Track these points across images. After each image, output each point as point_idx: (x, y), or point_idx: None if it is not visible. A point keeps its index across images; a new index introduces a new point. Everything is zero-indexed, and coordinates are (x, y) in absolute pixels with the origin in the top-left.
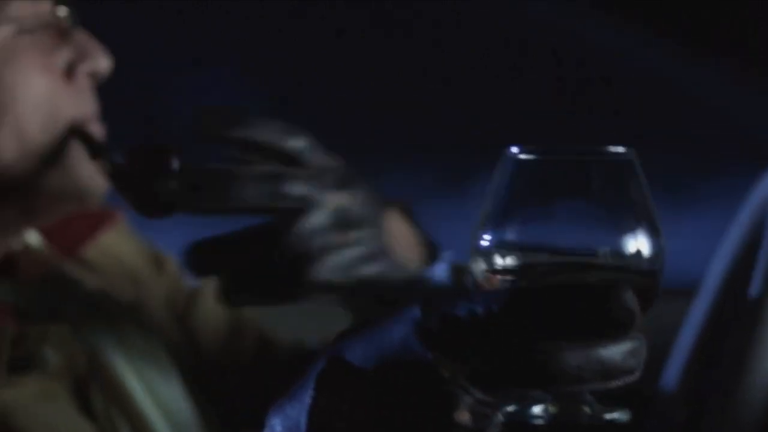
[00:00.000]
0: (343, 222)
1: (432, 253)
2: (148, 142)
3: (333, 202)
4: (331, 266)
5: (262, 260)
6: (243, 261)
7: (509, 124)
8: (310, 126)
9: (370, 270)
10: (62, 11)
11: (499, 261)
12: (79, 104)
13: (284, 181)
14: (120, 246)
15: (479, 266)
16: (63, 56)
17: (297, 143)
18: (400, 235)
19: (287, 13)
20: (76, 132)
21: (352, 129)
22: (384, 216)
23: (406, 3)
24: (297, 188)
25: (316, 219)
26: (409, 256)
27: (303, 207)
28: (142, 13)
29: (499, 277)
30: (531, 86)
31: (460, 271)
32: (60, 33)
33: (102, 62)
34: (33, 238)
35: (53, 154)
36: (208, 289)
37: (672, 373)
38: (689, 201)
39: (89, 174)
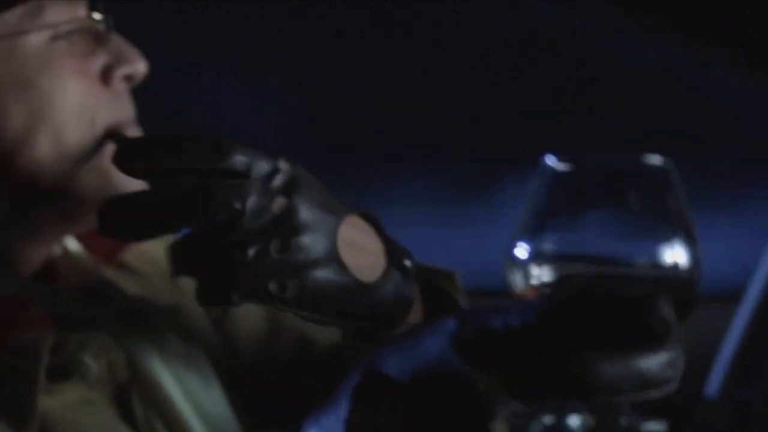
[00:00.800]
0: (285, 227)
1: (398, 261)
2: None
3: (275, 206)
4: (267, 271)
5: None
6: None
7: (526, 131)
8: (313, 129)
9: (316, 276)
10: (98, 16)
11: (536, 271)
12: (116, 108)
13: (210, 194)
14: (157, 250)
15: (515, 277)
16: (99, 61)
17: (235, 159)
18: (357, 245)
19: (288, 13)
20: (112, 135)
21: (354, 132)
22: (339, 224)
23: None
24: (224, 197)
25: (251, 225)
26: (366, 265)
27: (235, 215)
28: (142, 14)
29: (535, 287)
30: (552, 92)
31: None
32: (96, 38)
33: (138, 66)
34: (72, 244)
35: (90, 160)
36: None
37: (714, 382)
38: (732, 207)
39: (126, 180)
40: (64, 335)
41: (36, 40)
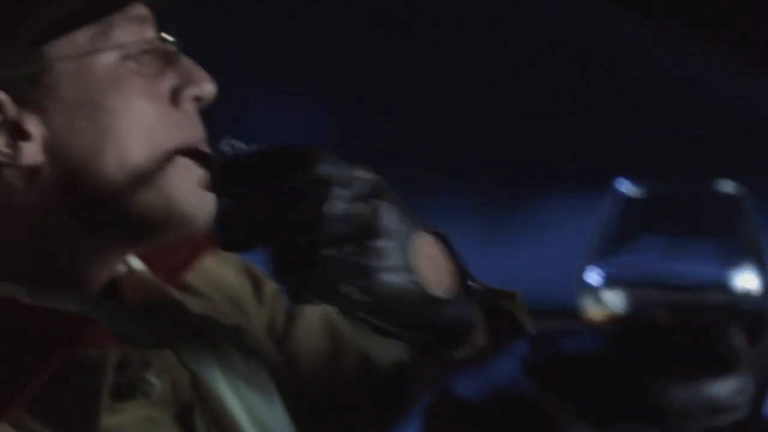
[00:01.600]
0: (363, 231)
1: (466, 280)
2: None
3: (355, 211)
4: (340, 272)
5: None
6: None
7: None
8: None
9: (389, 281)
10: (167, 37)
11: (607, 296)
12: (186, 130)
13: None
14: (220, 270)
15: (587, 302)
16: (168, 82)
17: (320, 167)
18: (431, 259)
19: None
20: (187, 152)
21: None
22: (415, 236)
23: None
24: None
25: (330, 227)
26: (437, 281)
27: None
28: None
29: (606, 312)
30: (613, 115)
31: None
32: (165, 58)
33: (207, 87)
34: (136, 263)
35: (155, 181)
36: (307, 310)
37: None
38: None
39: (194, 202)
40: (128, 353)
41: (105, 60)
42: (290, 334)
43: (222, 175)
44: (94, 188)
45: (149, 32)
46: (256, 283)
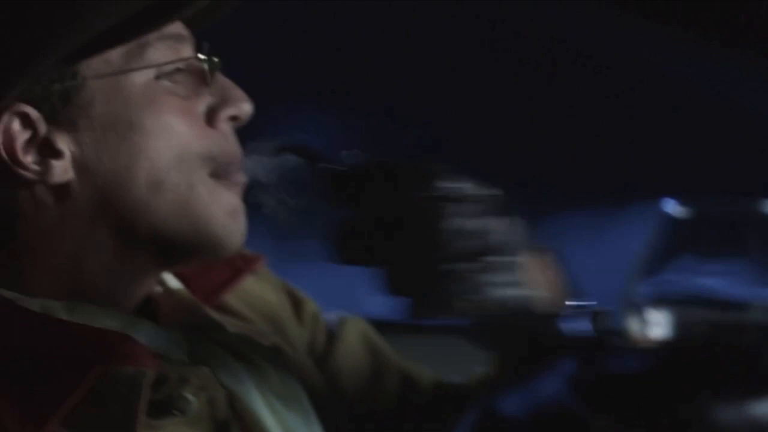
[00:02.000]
0: (482, 247)
1: (573, 299)
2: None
3: (486, 225)
4: (463, 288)
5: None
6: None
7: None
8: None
9: (503, 294)
10: (203, 56)
11: (652, 316)
12: (221, 149)
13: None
14: (260, 290)
15: (632, 321)
16: (204, 101)
17: (441, 185)
18: (543, 277)
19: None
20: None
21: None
22: (529, 253)
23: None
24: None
25: (454, 244)
26: (548, 297)
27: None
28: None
29: (652, 331)
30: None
31: (601, 320)
32: (201, 78)
33: (243, 107)
34: (173, 282)
35: (188, 202)
36: (348, 330)
37: None
38: None
39: (224, 225)
40: (165, 370)
41: (139, 79)
42: (331, 353)
43: (340, 186)
44: (125, 207)
45: (185, 51)
46: (295, 303)
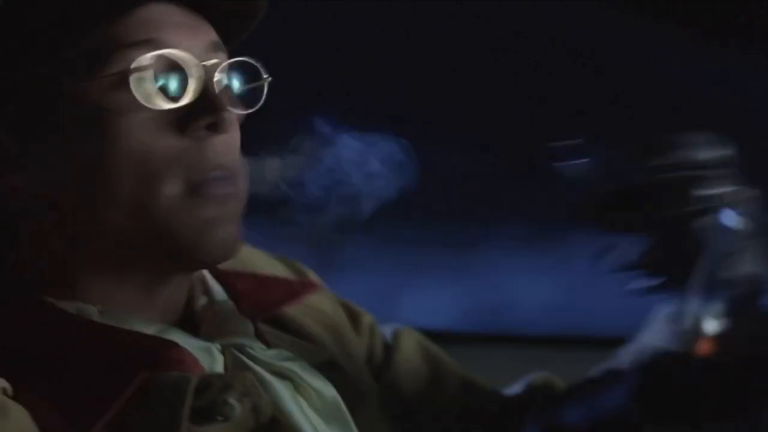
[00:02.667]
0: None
1: None
2: None
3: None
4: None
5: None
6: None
7: None
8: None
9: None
10: (186, 63)
11: (709, 326)
12: (200, 159)
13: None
14: (320, 302)
15: (694, 326)
16: (177, 110)
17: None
18: None
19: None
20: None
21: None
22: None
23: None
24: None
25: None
26: None
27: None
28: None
29: (707, 342)
30: None
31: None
32: (179, 87)
33: (219, 115)
34: (220, 294)
35: (154, 216)
36: (404, 340)
37: None
38: None
39: (192, 237)
40: (209, 376)
41: (104, 88)
42: (390, 363)
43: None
44: (94, 222)
45: (161, 59)
46: (352, 316)
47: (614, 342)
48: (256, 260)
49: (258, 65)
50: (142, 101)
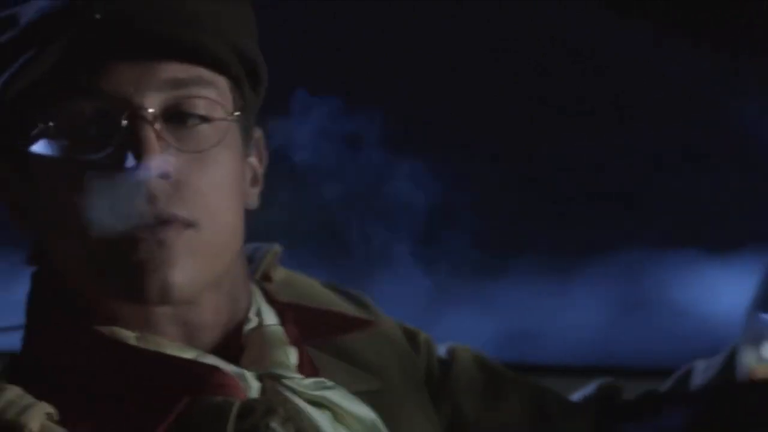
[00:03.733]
0: None
1: None
2: None
3: None
4: None
5: None
6: None
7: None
8: None
9: None
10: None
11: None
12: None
13: None
14: (379, 328)
15: (749, 355)
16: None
17: None
18: None
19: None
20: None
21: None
22: None
23: None
24: None
25: None
26: None
27: None
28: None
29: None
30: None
31: None
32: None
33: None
34: (271, 318)
35: (79, 264)
36: (460, 355)
37: None
38: None
39: (121, 283)
40: (252, 401)
41: (37, 138)
42: (448, 378)
43: None
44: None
45: (87, 107)
46: (410, 335)
47: (646, 373)
48: (312, 291)
49: (214, 99)
50: (69, 151)
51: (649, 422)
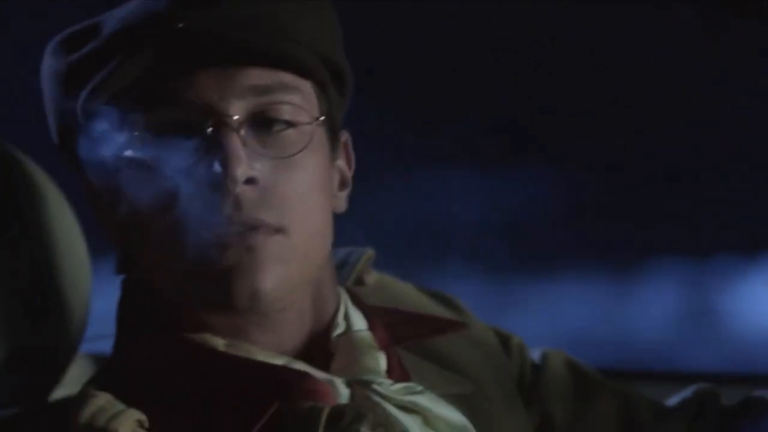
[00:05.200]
0: None
1: None
2: None
3: None
4: None
5: None
6: None
7: None
8: None
9: None
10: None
11: None
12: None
13: None
14: (472, 331)
15: None
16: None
17: None
18: None
19: None
20: None
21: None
22: None
23: None
24: None
25: None
26: None
27: None
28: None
29: None
30: None
31: None
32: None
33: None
34: (359, 322)
35: (172, 270)
36: (552, 360)
37: None
38: None
39: (208, 291)
40: (342, 406)
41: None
42: (539, 383)
43: None
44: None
45: (174, 116)
46: (502, 339)
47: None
48: (405, 295)
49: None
50: (155, 159)
51: (756, 425)
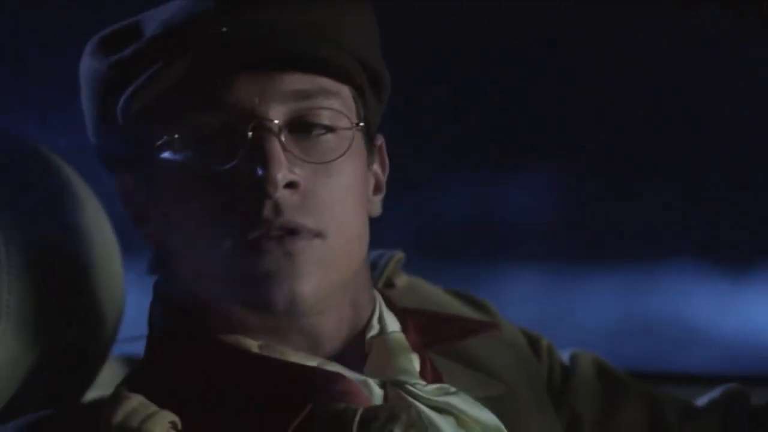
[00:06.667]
0: None
1: None
2: None
3: None
4: None
5: None
6: None
7: None
8: None
9: None
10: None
11: None
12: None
13: None
14: (502, 334)
15: None
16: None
17: None
18: None
19: None
20: None
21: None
22: None
23: None
24: None
25: None
26: None
27: None
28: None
29: None
30: None
31: None
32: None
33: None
34: (393, 324)
35: (208, 273)
36: (581, 362)
37: None
38: None
39: (243, 293)
40: (375, 408)
41: (165, 148)
42: (568, 385)
43: None
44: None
45: (212, 120)
46: (531, 341)
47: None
48: (435, 297)
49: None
50: (194, 163)
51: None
